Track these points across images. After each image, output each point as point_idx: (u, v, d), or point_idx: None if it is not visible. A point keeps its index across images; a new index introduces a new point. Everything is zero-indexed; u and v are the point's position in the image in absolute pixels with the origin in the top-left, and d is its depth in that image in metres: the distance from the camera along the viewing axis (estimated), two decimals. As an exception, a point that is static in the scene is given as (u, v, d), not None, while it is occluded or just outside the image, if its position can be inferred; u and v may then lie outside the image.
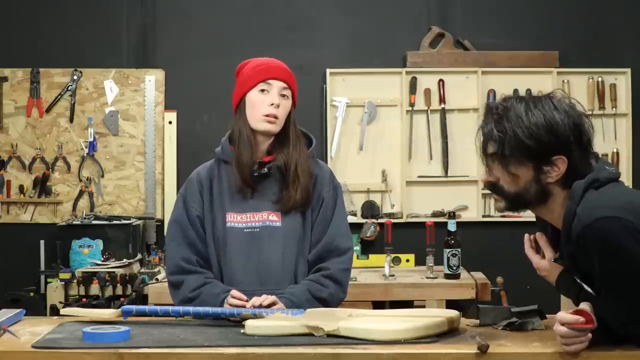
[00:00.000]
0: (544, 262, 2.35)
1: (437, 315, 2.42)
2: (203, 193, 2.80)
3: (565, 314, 2.13)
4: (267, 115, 2.74)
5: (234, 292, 2.63)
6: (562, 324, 2.13)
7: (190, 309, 2.57)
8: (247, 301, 2.59)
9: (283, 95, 2.77)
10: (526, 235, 2.39)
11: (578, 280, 2.27)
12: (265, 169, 2.77)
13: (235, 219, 2.76)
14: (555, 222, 2.28)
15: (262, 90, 2.76)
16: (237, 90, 2.81)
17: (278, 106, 2.75)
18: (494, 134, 2.22)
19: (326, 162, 4.93)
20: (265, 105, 2.75)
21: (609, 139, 5.14)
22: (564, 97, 2.25)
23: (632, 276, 2.10)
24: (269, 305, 2.57)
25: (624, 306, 2.13)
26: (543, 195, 2.24)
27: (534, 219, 2.42)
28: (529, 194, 2.24)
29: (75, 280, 4.33)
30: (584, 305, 2.16)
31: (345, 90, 5.13)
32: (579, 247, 2.16)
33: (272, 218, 2.76)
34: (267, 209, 2.76)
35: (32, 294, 4.55)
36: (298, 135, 2.82)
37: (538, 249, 2.38)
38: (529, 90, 5.10)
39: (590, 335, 2.13)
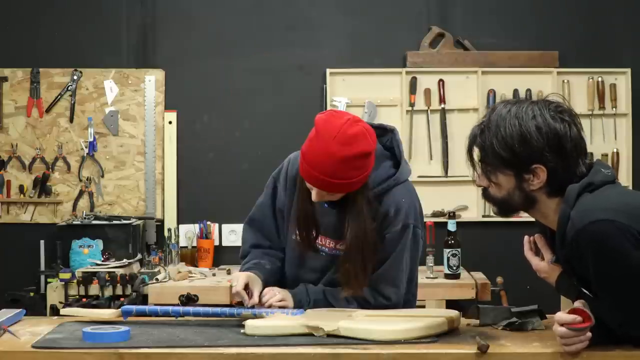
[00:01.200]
0: (543, 263, 2.35)
1: (437, 315, 2.42)
2: (287, 183, 2.74)
3: (563, 315, 2.14)
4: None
5: (240, 289, 2.61)
6: (561, 325, 2.13)
7: (190, 309, 2.57)
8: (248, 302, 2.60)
9: (328, 193, 2.56)
10: (525, 237, 2.39)
11: (575, 283, 2.27)
12: (330, 205, 2.64)
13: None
14: (550, 225, 2.29)
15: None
16: None
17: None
18: (477, 142, 2.27)
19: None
20: (312, 192, 2.57)
21: (609, 139, 5.14)
22: (551, 103, 2.23)
23: (627, 278, 2.10)
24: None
25: (621, 308, 2.13)
26: (529, 202, 2.25)
27: (534, 219, 2.42)
28: (514, 200, 2.26)
29: (75, 280, 4.32)
30: (578, 304, 2.16)
31: (345, 90, 5.13)
32: (573, 251, 2.16)
33: (340, 247, 2.63)
34: (335, 238, 2.65)
35: (32, 294, 4.55)
36: (369, 200, 2.57)
37: (538, 251, 2.38)
38: (528, 91, 5.10)
39: (590, 334, 2.13)
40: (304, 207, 2.63)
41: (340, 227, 2.60)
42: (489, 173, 2.26)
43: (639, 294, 2.11)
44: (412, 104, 5.13)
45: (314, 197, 2.55)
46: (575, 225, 2.12)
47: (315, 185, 2.51)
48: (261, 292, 2.63)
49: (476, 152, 2.28)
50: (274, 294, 2.61)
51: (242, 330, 2.38)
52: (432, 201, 5.08)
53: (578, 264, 2.18)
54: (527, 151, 2.18)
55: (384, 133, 2.68)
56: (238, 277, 2.64)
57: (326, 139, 2.44)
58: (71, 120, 5.12)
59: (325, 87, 5.11)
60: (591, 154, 5.03)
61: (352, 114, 2.55)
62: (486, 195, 2.32)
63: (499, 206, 2.30)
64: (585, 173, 2.22)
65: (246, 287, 2.63)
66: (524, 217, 2.35)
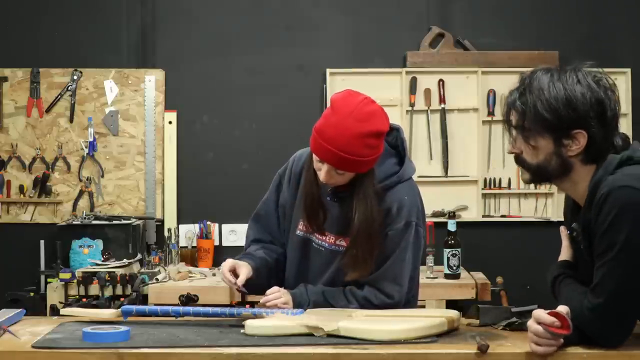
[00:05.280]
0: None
1: (437, 315, 2.42)
2: (291, 180, 2.76)
3: (543, 313, 2.12)
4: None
5: (225, 270, 2.63)
6: (538, 323, 2.12)
7: (190, 309, 2.57)
8: (235, 284, 2.61)
9: (337, 172, 2.54)
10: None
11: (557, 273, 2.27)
12: (332, 198, 2.66)
13: (303, 228, 2.72)
14: (577, 195, 2.27)
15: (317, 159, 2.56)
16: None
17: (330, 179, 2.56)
18: (517, 105, 2.23)
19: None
20: (320, 173, 2.56)
21: (609, 138, 5.13)
22: (590, 71, 2.23)
23: (634, 253, 2.08)
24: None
25: (611, 278, 2.11)
26: (564, 169, 2.23)
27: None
28: (550, 166, 2.23)
29: (75, 280, 4.33)
30: (562, 309, 2.13)
31: (345, 90, 5.12)
32: (597, 207, 2.14)
33: (340, 243, 2.66)
34: (335, 233, 2.66)
35: (32, 294, 4.54)
36: (376, 192, 2.58)
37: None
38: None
39: (562, 340, 2.13)
40: (310, 190, 2.64)
41: (342, 222, 2.62)
42: (527, 137, 2.23)
43: (634, 274, 2.09)
44: (412, 104, 5.13)
45: (322, 176, 2.55)
46: (611, 184, 2.12)
47: (327, 159, 2.49)
48: (251, 277, 2.65)
49: (514, 116, 2.25)
50: (279, 295, 2.61)
51: (242, 330, 2.38)
52: (432, 201, 5.07)
53: (594, 225, 2.15)
54: (572, 115, 2.17)
55: (389, 131, 2.68)
56: (225, 263, 2.67)
57: (343, 115, 2.47)
58: (71, 120, 5.12)
59: (325, 87, 5.11)
60: (591, 154, 5.05)
61: (367, 95, 2.56)
62: (520, 161, 2.29)
63: (533, 172, 2.27)
64: (621, 145, 2.22)
65: (234, 273, 2.65)
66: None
